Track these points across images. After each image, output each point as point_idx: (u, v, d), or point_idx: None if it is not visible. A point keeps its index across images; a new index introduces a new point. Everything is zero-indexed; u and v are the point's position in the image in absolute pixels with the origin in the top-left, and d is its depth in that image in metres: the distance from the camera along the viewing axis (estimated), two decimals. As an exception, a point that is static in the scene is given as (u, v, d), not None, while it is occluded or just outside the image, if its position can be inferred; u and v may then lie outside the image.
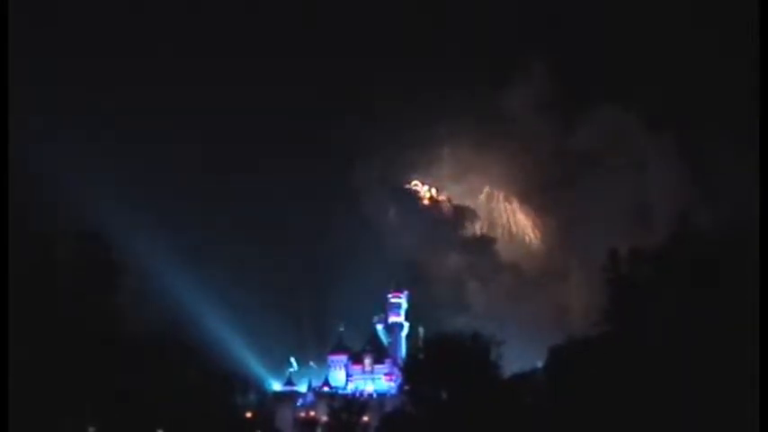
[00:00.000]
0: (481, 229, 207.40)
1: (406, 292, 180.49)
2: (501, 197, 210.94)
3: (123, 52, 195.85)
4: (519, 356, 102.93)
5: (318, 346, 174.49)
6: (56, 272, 57.51)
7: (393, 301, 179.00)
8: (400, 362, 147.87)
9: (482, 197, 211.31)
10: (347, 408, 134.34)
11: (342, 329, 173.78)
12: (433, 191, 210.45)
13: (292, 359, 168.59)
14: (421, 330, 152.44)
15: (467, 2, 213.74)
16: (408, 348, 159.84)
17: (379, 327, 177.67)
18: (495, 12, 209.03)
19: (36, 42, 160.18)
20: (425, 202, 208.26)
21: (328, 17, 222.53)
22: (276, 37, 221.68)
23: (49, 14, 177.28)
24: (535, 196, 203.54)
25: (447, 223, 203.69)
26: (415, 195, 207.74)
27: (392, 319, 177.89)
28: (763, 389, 43.89)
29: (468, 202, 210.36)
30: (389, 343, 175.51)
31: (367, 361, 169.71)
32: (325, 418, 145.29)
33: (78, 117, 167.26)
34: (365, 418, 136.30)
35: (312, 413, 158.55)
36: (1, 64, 48.36)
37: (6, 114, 47.23)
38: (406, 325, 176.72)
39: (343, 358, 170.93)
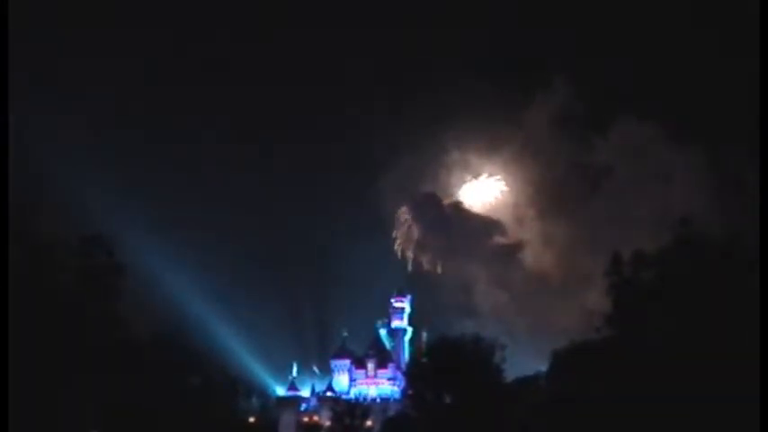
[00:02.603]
0: (503, 237, 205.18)
1: (409, 297, 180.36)
2: (519, 206, 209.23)
3: (128, 52, 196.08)
4: (526, 360, 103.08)
5: (322, 351, 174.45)
6: (58, 275, 57.49)
7: (396, 305, 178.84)
8: (403, 366, 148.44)
9: (500, 206, 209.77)
10: (350, 412, 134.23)
11: (345, 334, 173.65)
12: (454, 197, 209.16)
13: (294, 364, 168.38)
14: (424, 335, 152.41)
15: (487, 15, 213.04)
16: (411, 352, 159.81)
17: (383, 331, 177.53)
18: (516, 24, 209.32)
19: (38, 42, 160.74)
20: (445, 208, 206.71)
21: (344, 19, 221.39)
22: (289, 37, 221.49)
23: (49, 14, 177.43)
24: (554, 206, 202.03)
25: (462, 228, 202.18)
26: (430, 201, 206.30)
27: (395, 323, 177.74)
28: (764, 390, 43.86)
29: (485, 211, 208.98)
30: (392, 347, 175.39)
31: (370, 365, 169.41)
32: (328, 423, 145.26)
33: (80, 119, 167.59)
34: (368, 423, 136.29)
35: (315, 418, 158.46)
36: (1, 64, 48.35)
37: (6, 115, 47.22)
38: (410, 329, 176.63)
39: (347, 363, 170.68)
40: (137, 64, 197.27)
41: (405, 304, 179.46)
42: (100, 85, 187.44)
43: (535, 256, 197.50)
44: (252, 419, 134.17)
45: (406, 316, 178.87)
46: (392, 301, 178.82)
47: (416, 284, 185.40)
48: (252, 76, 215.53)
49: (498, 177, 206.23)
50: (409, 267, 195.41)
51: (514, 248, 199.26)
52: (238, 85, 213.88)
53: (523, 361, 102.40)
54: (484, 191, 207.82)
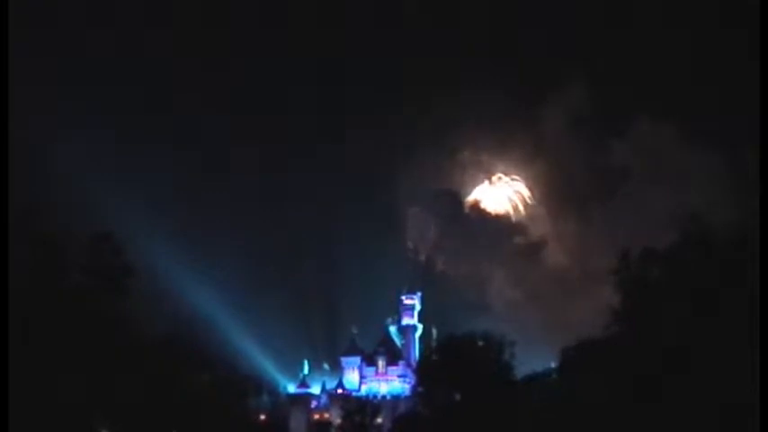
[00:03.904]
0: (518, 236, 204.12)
1: (419, 294, 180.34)
2: (534, 206, 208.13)
3: (135, 52, 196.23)
4: (540, 358, 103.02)
5: (332, 348, 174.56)
6: (67, 274, 57.74)
7: (406, 302, 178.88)
8: (413, 363, 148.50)
9: (514, 205, 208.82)
10: (360, 410, 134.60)
11: (355, 331, 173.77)
12: (468, 196, 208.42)
13: (305, 362, 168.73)
14: (434, 332, 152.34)
15: (503, 17, 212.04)
16: (421, 350, 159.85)
17: (392, 328, 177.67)
18: (531, 27, 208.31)
19: (44, 43, 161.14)
20: (459, 206, 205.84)
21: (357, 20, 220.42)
22: (296, 34, 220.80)
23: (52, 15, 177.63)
24: (569, 205, 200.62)
25: (476, 227, 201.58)
26: (444, 199, 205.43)
27: (405, 320, 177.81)
28: (764, 389, 43.79)
29: (499, 209, 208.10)
30: (402, 345, 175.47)
31: (380, 363, 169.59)
32: (338, 421, 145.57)
33: (89, 118, 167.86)
34: (378, 420, 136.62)
35: (326, 415, 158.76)
36: (1, 64, 48.51)
37: (6, 115, 47.36)
38: (420, 327, 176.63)
39: (357, 360, 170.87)
40: (144, 63, 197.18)
41: (415, 301, 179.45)
42: (106, 84, 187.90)
43: (550, 254, 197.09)
44: (263, 417, 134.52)
45: (416, 313, 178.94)
46: (402, 298, 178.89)
47: (428, 282, 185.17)
48: (261, 73, 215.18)
49: (514, 177, 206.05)
50: (421, 265, 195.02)
51: (530, 247, 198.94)
52: (248, 84, 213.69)
53: (538, 358, 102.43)
54: (498, 190, 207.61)
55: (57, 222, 57.07)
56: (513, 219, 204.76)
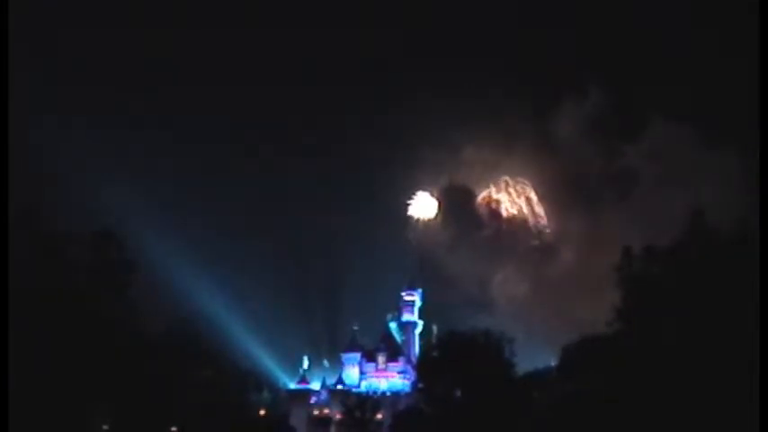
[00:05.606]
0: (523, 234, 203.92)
1: (419, 291, 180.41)
2: (541, 204, 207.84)
3: (135, 52, 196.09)
4: (544, 355, 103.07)
5: (332, 344, 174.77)
6: (69, 272, 57.82)
7: (407, 299, 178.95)
8: (414, 359, 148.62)
9: (521, 203, 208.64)
10: (361, 406, 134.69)
11: (355, 327, 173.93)
12: (474, 193, 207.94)
13: (305, 358, 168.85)
14: (434, 328, 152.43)
15: (509, 17, 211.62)
16: (422, 346, 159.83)
17: (393, 325, 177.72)
18: (541, 28, 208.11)
19: (45, 43, 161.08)
20: (462, 203, 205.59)
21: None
22: (303, 34, 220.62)
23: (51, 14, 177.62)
24: (577, 204, 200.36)
25: (480, 224, 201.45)
26: (446, 196, 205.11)
27: (406, 317, 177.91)
28: (764, 387, 43.84)
29: (504, 207, 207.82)
30: (403, 341, 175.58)
31: (380, 359, 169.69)
32: (338, 416, 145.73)
33: (89, 118, 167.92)
34: (379, 416, 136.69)
35: (326, 411, 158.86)
36: (1, 64, 48.54)
37: (6, 115, 47.37)
38: (420, 323, 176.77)
39: (357, 356, 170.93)
40: (144, 63, 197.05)
41: (415, 298, 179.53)
42: (109, 83, 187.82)
43: (555, 253, 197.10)
44: (262, 412, 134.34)
45: (416, 309, 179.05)
46: (403, 294, 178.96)
47: (428, 278, 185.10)
48: (262, 73, 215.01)
49: (520, 178, 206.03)
50: (422, 261, 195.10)
51: (535, 246, 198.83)
52: (248, 84, 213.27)
53: (541, 356, 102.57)
54: (504, 189, 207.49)
55: (57, 222, 57.17)
56: (518, 218, 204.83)
